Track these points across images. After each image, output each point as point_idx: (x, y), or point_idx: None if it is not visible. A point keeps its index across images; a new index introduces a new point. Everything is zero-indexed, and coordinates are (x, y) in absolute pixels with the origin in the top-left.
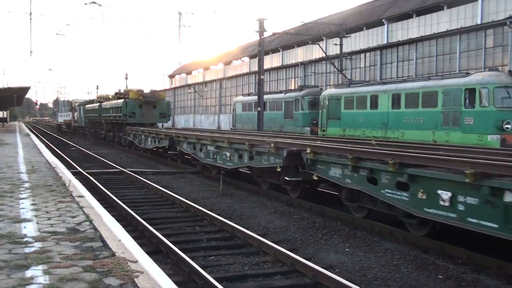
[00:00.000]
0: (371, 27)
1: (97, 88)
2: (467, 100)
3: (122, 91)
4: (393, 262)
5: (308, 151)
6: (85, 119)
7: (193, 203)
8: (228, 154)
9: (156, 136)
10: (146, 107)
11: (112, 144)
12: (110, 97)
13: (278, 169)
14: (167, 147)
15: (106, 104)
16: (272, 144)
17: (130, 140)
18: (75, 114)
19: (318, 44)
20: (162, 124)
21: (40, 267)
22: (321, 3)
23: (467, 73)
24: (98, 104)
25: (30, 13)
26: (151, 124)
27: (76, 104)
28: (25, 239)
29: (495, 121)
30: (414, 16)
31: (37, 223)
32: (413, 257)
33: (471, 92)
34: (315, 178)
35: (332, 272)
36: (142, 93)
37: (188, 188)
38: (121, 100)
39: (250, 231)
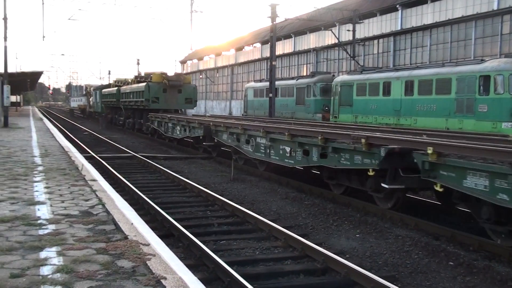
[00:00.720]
0: (385, 13)
1: (109, 73)
2: (481, 87)
3: (142, 74)
4: (404, 249)
5: (429, 151)
6: (101, 104)
7: (205, 188)
8: (288, 149)
9: (188, 124)
10: (170, 91)
11: (131, 131)
12: (130, 81)
13: (371, 173)
14: (201, 137)
15: (125, 88)
16: (363, 140)
17: (153, 128)
18: (90, 99)
19: (331, 30)
20: (185, 110)
21: (54, 248)
22: None
23: (482, 60)
24: (116, 88)
25: None
26: (175, 110)
27: (92, 88)
28: (39, 221)
29: (510, 108)
30: (428, 1)
31: (51, 205)
32: (424, 244)
33: (485, 79)
34: (438, 189)
35: (342, 258)
36: (166, 76)
37: (200, 173)
38: (143, 84)
39: (261, 216)
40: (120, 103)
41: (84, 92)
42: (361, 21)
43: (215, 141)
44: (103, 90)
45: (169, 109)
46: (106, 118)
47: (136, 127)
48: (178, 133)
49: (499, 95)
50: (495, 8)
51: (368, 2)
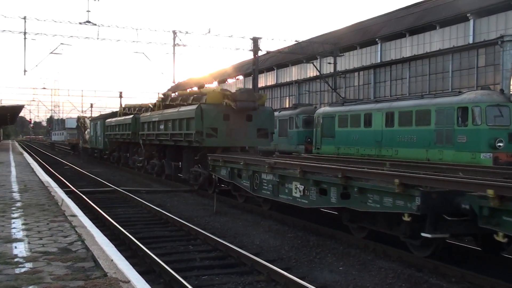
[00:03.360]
0: (365, 46)
1: (91, 106)
2: (459, 119)
3: (174, 94)
4: (387, 281)
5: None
6: (103, 138)
7: (187, 222)
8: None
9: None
10: (236, 118)
11: (158, 177)
12: (150, 106)
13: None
14: None
15: (148, 116)
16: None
17: (215, 178)
18: (86, 132)
19: (312, 62)
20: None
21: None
22: (314, 22)
23: (459, 92)
24: (131, 117)
25: (25, 33)
26: (242, 148)
27: (88, 119)
28: (16, 260)
29: (488, 139)
30: (407, 35)
31: (29, 243)
32: (407, 276)
33: (463, 110)
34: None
35: None
36: (230, 95)
37: (182, 206)
38: (191, 108)
39: (243, 250)
40: (139, 138)
41: (76, 125)
42: (342, 54)
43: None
44: (107, 120)
45: (233, 146)
46: (119, 158)
47: (167, 172)
48: (295, 194)
49: (476, 126)
50: (471, 41)
51: (348, 35)
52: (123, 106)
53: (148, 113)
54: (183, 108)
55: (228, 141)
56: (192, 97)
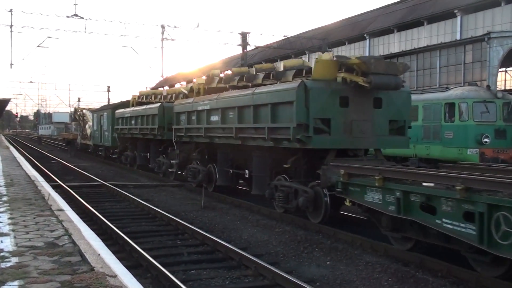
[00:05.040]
0: (353, 42)
1: (79, 100)
2: (447, 114)
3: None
4: (374, 275)
5: None
6: (112, 133)
7: (175, 216)
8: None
9: None
10: (358, 103)
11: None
12: (184, 90)
13: None
14: None
15: (188, 104)
16: None
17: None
18: (87, 126)
19: (301, 57)
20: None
21: (16, 282)
22: (303, 17)
23: (447, 88)
24: (157, 106)
25: (11, 26)
26: (365, 150)
27: (87, 111)
28: (1, 254)
29: (475, 135)
30: (395, 31)
31: (15, 237)
32: (393, 270)
33: (451, 106)
34: None
35: (313, 286)
36: (359, 64)
37: (170, 201)
38: (285, 87)
39: (231, 244)
40: (174, 134)
41: (72, 117)
42: (330, 50)
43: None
44: (118, 111)
45: (355, 149)
46: (134, 158)
47: (219, 183)
48: None
49: (464, 122)
50: (458, 38)
51: (337, 31)
52: (137, 94)
53: (190, 100)
54: (273, 87)
55: (347, 139)
56: (270, 73)
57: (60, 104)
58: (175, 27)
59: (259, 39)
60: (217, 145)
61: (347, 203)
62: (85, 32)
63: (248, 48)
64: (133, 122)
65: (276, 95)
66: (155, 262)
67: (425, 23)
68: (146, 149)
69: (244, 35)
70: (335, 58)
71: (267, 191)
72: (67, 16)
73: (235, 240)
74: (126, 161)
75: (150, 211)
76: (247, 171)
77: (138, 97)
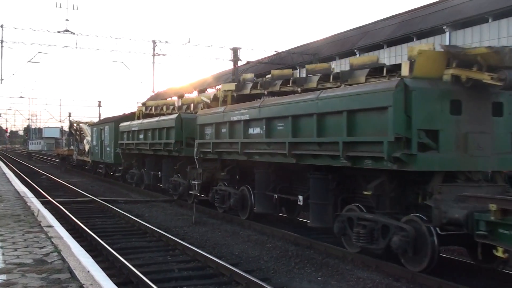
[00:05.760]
0: (344, 57)
1: (69, 116)
2: None
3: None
4: None
5: None
6: (114, 150)
7: (165, 232)
8: None
9: None
10: (474, 109)
11: (238, 217)
12: (205, 99)
13: None
14: None
15: (218, 113)
16: None
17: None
18: (85, 141)
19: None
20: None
21: None
22: (294, 33)
23: None
24: (173, 117)
25: (2, 41)
26: (484, 176)
27: (83, 124)
28: None
29: None
30: (384, 46)
31: (3, 254)
32: (385, 286)
33: None
34: None
35: None
36: (484, 54)
37: (161, 217)
38: (373, 88)
39: (222, 260)
40: (197, 150)
41: (68, 131)
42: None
43: None
44: (122, 124)
45: (470, 171)
46: (153, 178)
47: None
48: None
49: None
50: None
51: (327, 46)
52: (142, 104)
53: (220, 110)
54: (350, 90)
55: (461, 158)
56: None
57: (50, 119)
58: (166, 42)
59: (250, 55)
60: (255, 164)
61: (499, 253)
62: (76, 47)
63: (239, 63)
64: (141, 136)
65: (357, 100)
66: (145, 278)
67: (414, 39)
68: (156, 167)
69: (235, 51)
70: (445, 48)
71: (336, 225)
72: (58, 32)
73: (226, 255)
74: (132, 180)
75: (141, 226)
76: (300, 197)
77: (145, 108)
